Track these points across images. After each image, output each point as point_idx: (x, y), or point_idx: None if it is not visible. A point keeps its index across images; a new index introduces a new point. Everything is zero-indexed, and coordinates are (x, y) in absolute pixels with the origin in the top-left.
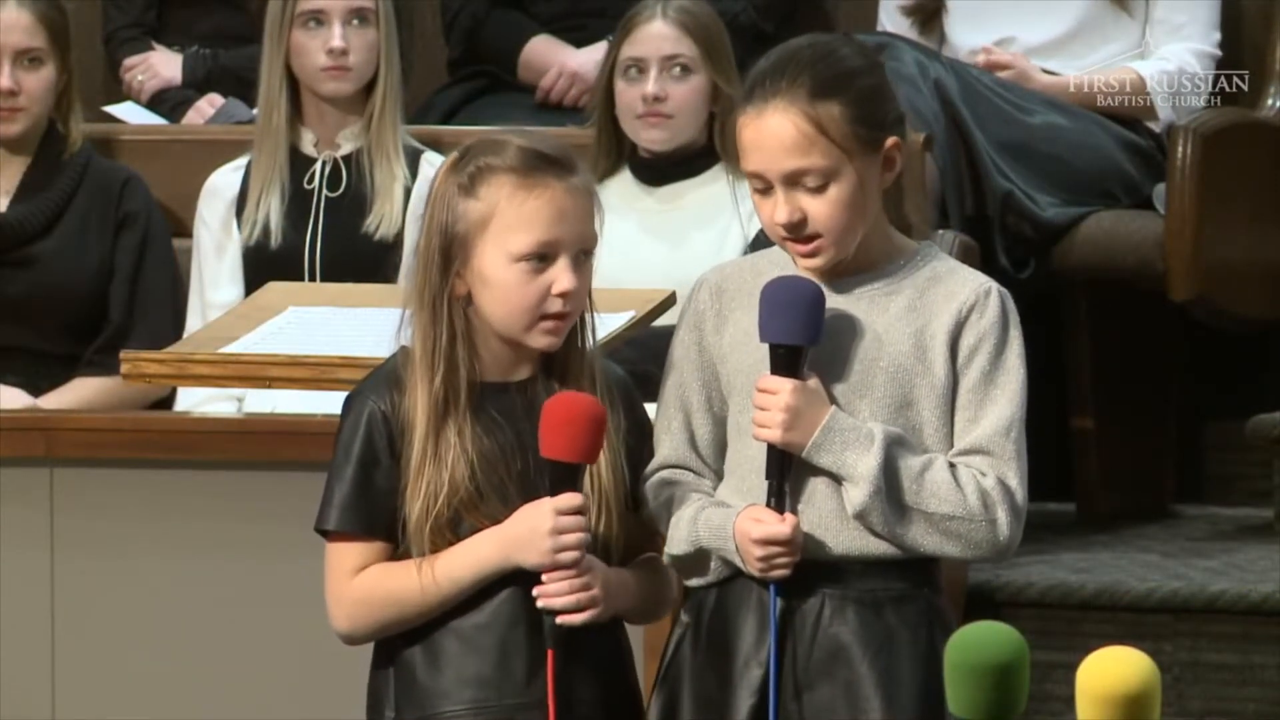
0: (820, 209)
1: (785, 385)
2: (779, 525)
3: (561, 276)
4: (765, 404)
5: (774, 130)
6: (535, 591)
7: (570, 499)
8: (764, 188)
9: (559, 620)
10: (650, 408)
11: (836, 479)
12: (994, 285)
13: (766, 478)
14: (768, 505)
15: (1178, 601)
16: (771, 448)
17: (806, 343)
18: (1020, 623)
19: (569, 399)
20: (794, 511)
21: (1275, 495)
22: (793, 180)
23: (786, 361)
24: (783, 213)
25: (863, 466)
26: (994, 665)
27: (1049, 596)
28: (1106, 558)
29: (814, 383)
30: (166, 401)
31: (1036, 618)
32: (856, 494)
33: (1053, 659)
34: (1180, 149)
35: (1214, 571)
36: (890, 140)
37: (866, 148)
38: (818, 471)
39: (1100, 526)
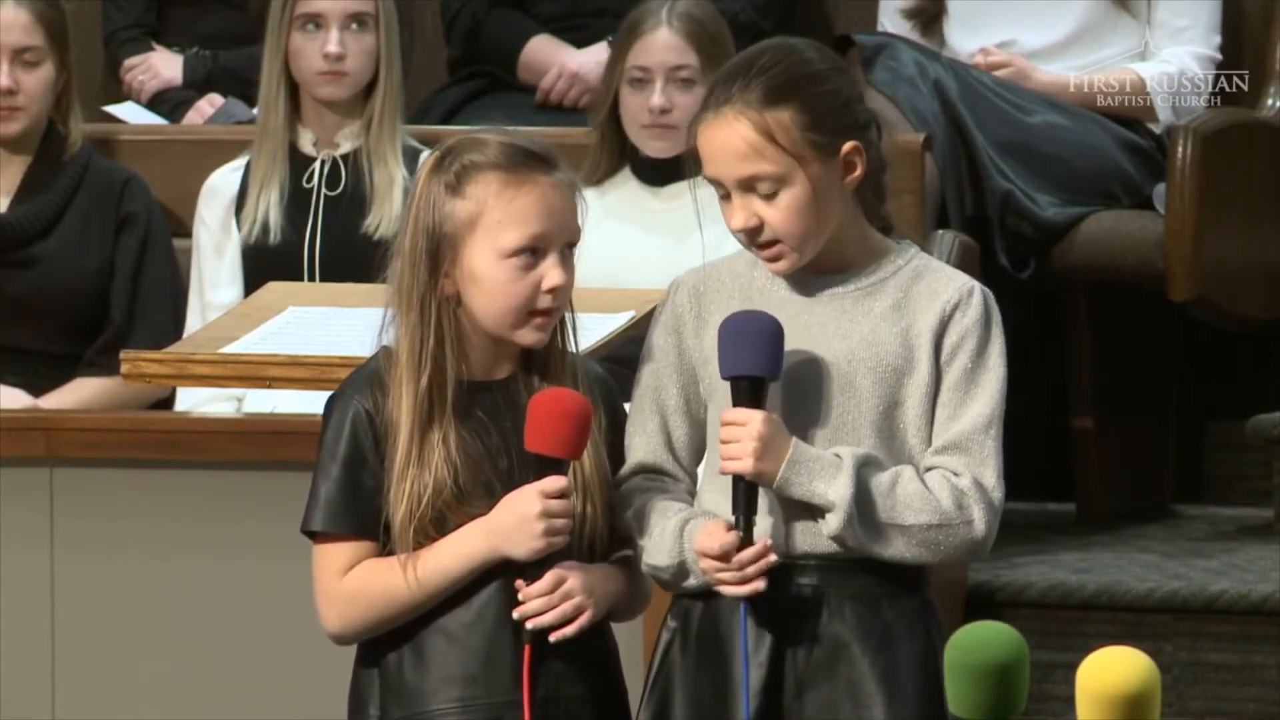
0: (775, 215)
1: (755, 415)
2: (715, 539)
3: (551, 272)
4: (735, 436)
5: (724, 138)
6: (516, 614)
7: (554, 482)
8: (724, 194)
9: (551, 638)
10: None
11: None
12: (976, 284)
13: (733, 512)
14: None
15: (1178, 601)
16: (737, 483)
17: (768, 375)
18: (1020, 623)
19: (557, 395)
20: (777, 510)
21: (1275, 495)
22: (746, 186)
23: (750, 394)
24: (739, 219)
25: (833, 494)
26: (994, 665)
27: (1049, 596)
28: (1106, 558)
29: (775, 417)
30: (166, 401)
31: (1036, 618)
32: (832, 520)
33: (1053, 659)
34: (1180, 149)
35: (1214, 571)
36: (848, 145)
37: (821, 153)
38: None
39: (1100, 526)
